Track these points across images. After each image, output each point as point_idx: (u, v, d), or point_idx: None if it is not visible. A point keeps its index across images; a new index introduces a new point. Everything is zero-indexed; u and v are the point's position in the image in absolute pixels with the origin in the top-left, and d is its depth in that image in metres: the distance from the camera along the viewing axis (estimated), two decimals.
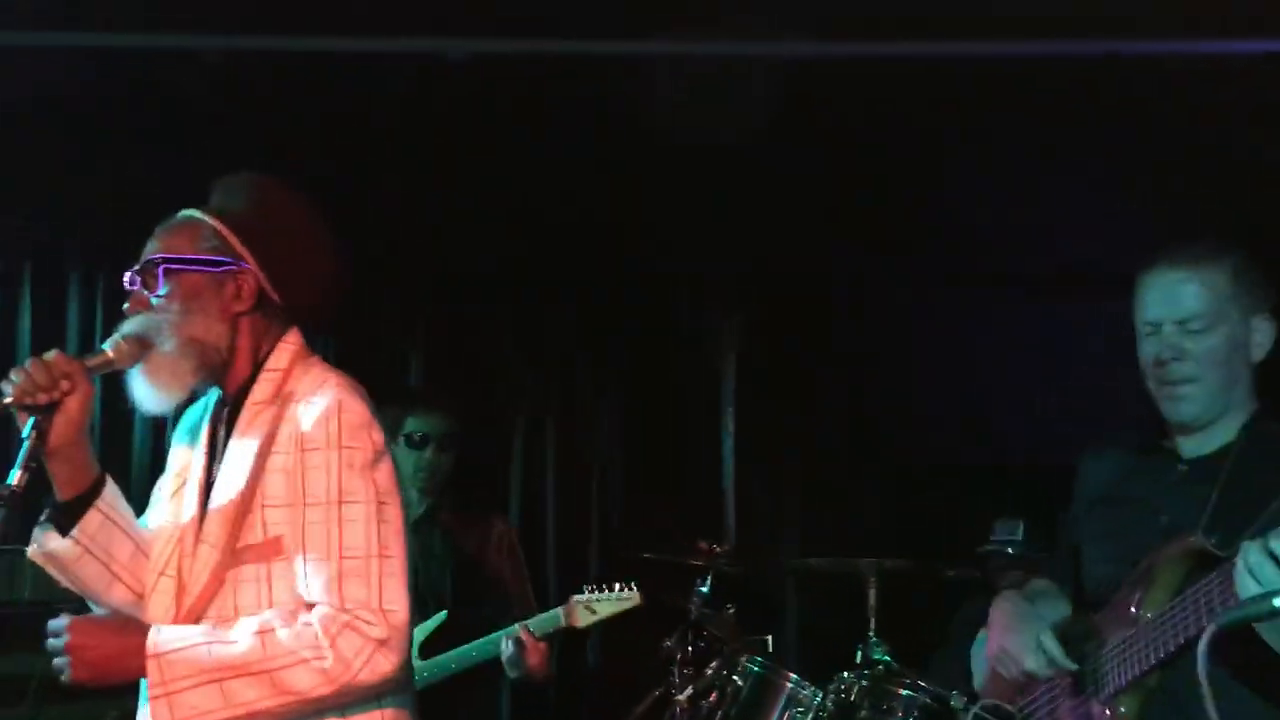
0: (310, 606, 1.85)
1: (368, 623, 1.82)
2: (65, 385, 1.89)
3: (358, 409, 1.92)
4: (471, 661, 3.65)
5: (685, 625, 3.83)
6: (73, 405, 1.90)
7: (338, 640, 1.81)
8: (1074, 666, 2.20)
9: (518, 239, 4.60)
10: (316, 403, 1.91)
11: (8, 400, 1.89)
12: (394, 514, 1.90)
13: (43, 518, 2.01)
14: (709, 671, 3.66)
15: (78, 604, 2.10)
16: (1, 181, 4.36)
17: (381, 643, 1.82)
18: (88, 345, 4.66)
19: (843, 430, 4.79)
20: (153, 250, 2.02)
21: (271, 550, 1.89)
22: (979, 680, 2.82)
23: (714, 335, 4.90)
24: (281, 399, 1.95)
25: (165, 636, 1.86)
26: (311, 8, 3.53)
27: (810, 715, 3.39)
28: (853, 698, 3.25)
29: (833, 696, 3.30)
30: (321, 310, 2.11)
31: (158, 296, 1.98)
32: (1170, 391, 2.22)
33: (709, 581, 3.84)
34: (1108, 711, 2.13)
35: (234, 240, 2.01)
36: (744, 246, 4.66)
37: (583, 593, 3.67)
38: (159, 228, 2.06)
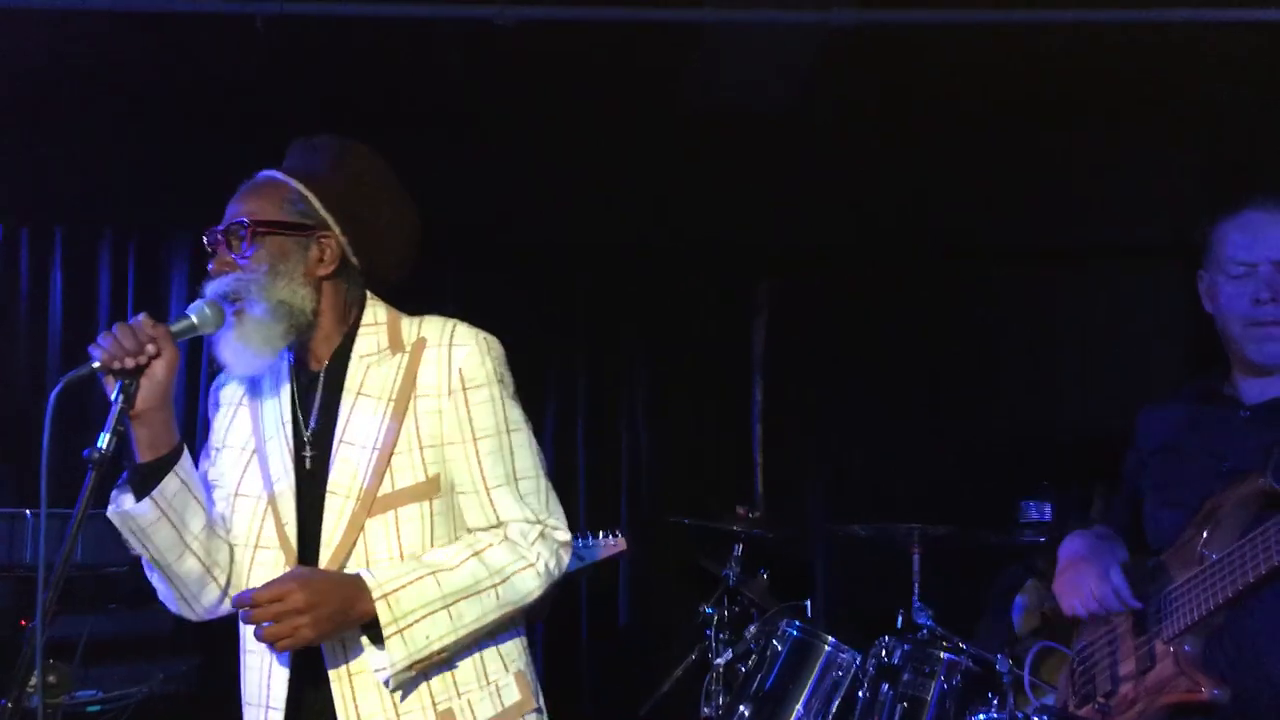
0: (497, 526, 1.98)
1: (554, 528, 2.01)
2: (151, 349, 1.89)
3: (497, 345, 2.04)
4: None
5: (721, 590, 3.87)
6: (159, 369, 1.89)
7: (537, 545, 1.98)
8: (1139, 605, 2.22)
9: (549, 206, 4.59)
10: (461, 344, 1.99)
11: (96, 365, 1.88)
12: (533, 439, 2.06)
13: (121, 479, 2.01)
14: (746, 635, 3.70)
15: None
16: (31, 146, 4.36)
17: (565, 544, 2.02)
18: (118, 308, 4.70)
19: (874, 397, 4.80)
20: (238, 212, 2.00)
21: (430, 489, 1.94)
22: (1022, 633, 2.85)
23: (743, 301, 4.91)
24: (412, 347, 1.98)
25: (384, 576, 1.88)
26: None
27: (849, 678, 3.42)
28: (895, 661, 3.27)
29: (874, 660, 3.33)
30: (396, 273, 2.10)
31: (244, 258, 1.97)
32: (1265, 333, 2.21)
33: (742, 547, 3.88)
34: (1170, 649, 2.15)
35: (318, 204, 2.01)
36: (774, 212, 4.66)
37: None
38: (242, 188, 2.04)
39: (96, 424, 1.89)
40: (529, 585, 1.97)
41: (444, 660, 1.93)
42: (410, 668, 1.88)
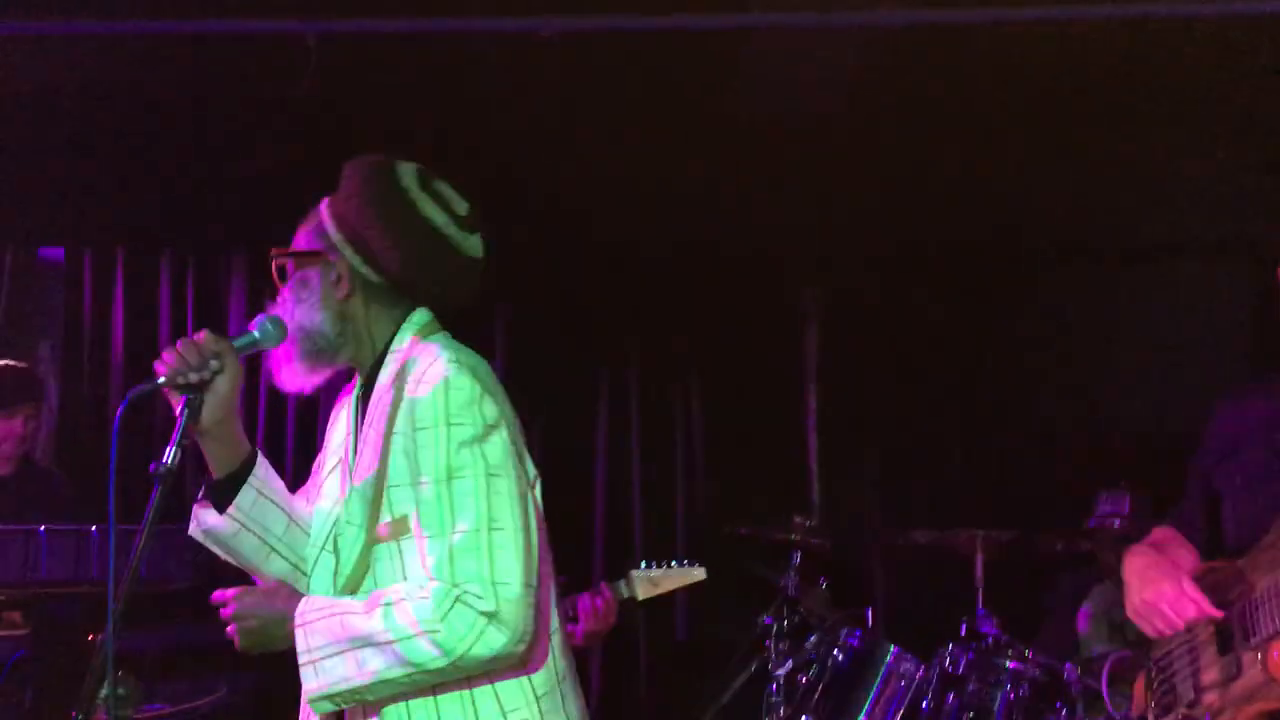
0: (423, 581, 1.86)
1: (478, 596, 1.81)
2: (215, 365, 1.93)
3: (464, 385, 1.89)
4: None
5: (781, 600, 3.84)
6: (223, 385, 1.93)
7: (449, 615, 1.80)
8: (1219, 614, 2.16)
9: (602, 217, 4.60)
10: (425, 382, 1.91)
11: (161, 380, 1.92)
12: (507, 486, 1.87)
13: (200, 495, 2.05)
14: (807, 645, 3.67)
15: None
16: (93, 170, 4.44)
17: (491, 616, 1.80)
18: (179, 329, 4.77)
19: (929, 402, 4.75)
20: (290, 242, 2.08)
21: (399, 529, 1.92)
22: (1090, 642, 2.78)
23: (797, 308, 4.88)
24: (399, 380, 1.96)
25: (310, 606, 1.91)
26: None
27: (912, 688, 3.38)
28: (959, 670, 3.23)
29: (937, 669, 3.29)
30: (438, 290, 2.05)
31: (284, 285, 2.04)
32: None
33: (802, 557, 3.85)
34: (1259, 656, 2.09)
35: (330, 228, 2.02)
36: (827, 220, 4.63)
37: (640, 566, 3.73)
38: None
39: (163, 440, 1.94)
40: (424, 655, 1.81)
41: (376, 704, 1.88)
42: (325, 699, 1.88)
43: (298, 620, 1.89)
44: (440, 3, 3.59)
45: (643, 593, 3.72)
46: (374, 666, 1.83)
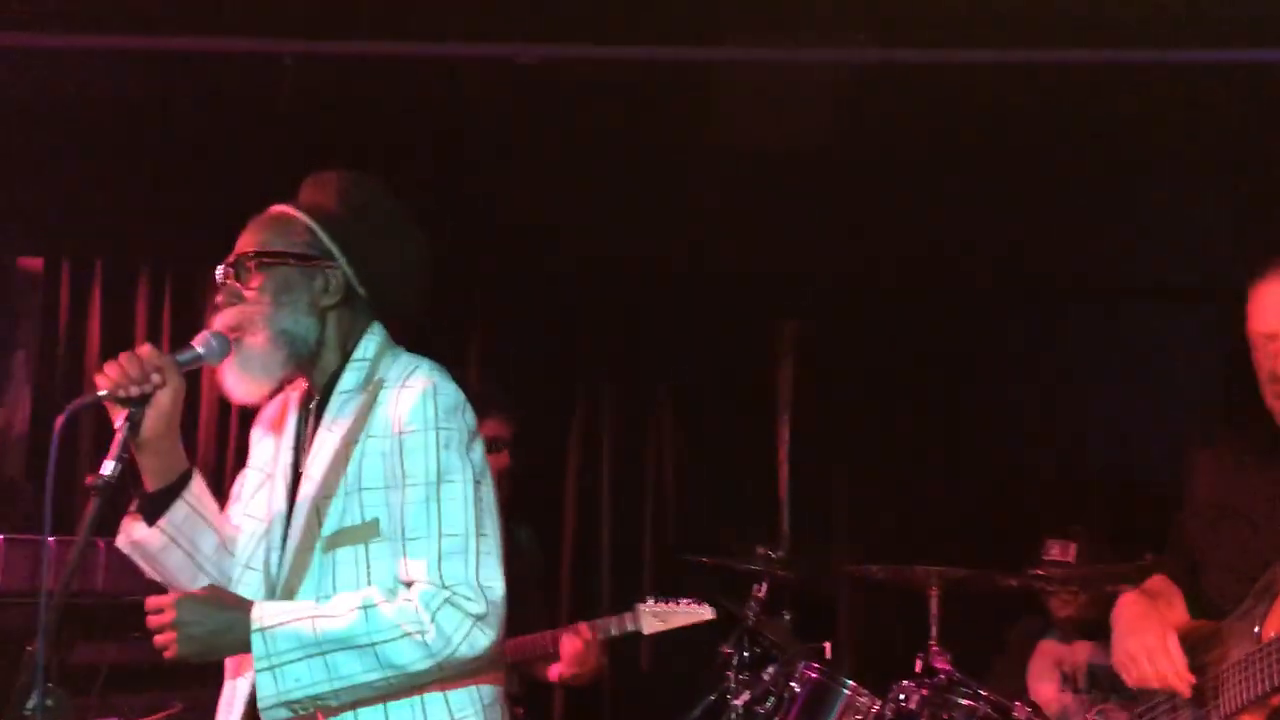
0: (409, 584, 1.88)
1: (467, 599, 1.86)
2: (156, 379, 1.94)
3: (450, 391, 1.95)
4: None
5: (741, 630, 3.83)
6: (164, 399, 1.94)
7: (438, 616, 1.84)
8: (1192, 680, 2.16)
9: (572, 241, 4.62)
10: (411, 387, 1.94)
11: (101, 393, 1.93)
12: (488, 494, 1.94)
13: (131, 508, 2.05)
14: (765, 677, 3.66)
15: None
16: (74, 181, 4.47)
17: (479, 618, 1.86)
18: (154, 340, 4.78)
19: (901, 437, 4.76)
20: (246, 244, 2.05)
21: (368, 532, 1.92)
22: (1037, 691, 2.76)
23: (770, 340, 4.90)
24: (372, 386, 1.98)
25: (269, 610, 1.88)
26: (374, 11, 3.59)
27: None
28: (913, 706, 3.23)
29: (892, 705, 3.28)
30: (406, 305, 2.13)
31: (250, 289, 2.01)
32: None
33: (764, 588, 3.84)
34: None
35: (323, 236, 2.05)
36: (801, 250, 4.66)
37: (647, 601, 3.70)
38: (251, 222, 2.09)
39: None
40: (410, 655, 1.84)
41: (346, 706, 1.88)
42: (283, 706, 1.86)
43: (255, 624, 1.85)
44: (420, 28, 3.64)
45: (648, 628, 3.69)
46: (347, 670, 1.84)
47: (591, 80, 3.92)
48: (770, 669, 3.67)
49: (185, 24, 3.67)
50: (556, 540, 4.78)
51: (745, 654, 3.80)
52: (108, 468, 1.90)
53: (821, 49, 3.72)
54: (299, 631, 1.84)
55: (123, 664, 3.56)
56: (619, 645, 4.64)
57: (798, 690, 3.51)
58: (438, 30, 3.63)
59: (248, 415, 2.24)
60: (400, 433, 1.91)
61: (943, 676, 3.24)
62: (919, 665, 3.35)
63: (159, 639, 1.88)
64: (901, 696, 3.26)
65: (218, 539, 2.06)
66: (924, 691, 3.23)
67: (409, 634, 1.83)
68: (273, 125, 4.05)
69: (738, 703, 3.68)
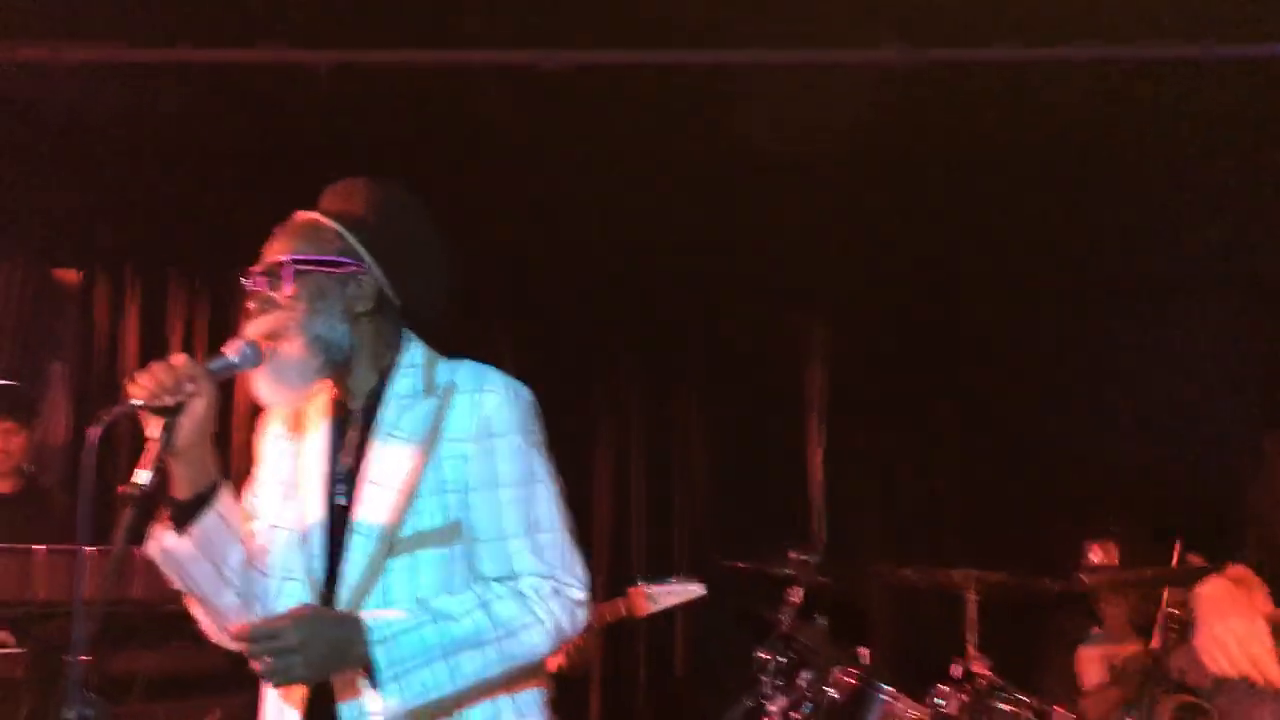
0: (508, 578, 1.94)
1: (569, 585, 1.96)
2: (190, 388, 1.93)
3: (526, 395, 2.01)
4: None
5: (776, 636, 3.81)
6: (198, 407, 1.93)
7: (550, 603, 1.93)
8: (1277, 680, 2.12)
9: (603, 248, 4.62)
10: (492, 392, 1.98)
11: (135, 402, 1.92)
12: (558, 493, 2.02)
13: (162, 516, 2.04)
14: (801, 683, 3.63)
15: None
16: (109, 192, 4.51)
17: (580, 603, 1.96)
18: (191, 350, 4.82)
19: (933, 439, 4.72)
20: (278, 251, 2.04)
21: (451, 534, 1.94)
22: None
23: (802, 343, 4.87)
24: (443, 391, 1.99)
25: (385, 621, 1.86)
26: (402, 22, 3.60)
27: None
28: (953, 711, 3.19)
29: (930, 710, 3.25)
30: (435, 310, 2.12)
31: (284, 297, 2.01)
32: None
33: (800, 592, 3.82)
34: None
35: (354, 242, 2.04)
36: (835, 255, 4.63)
37: (639, 584, 3.72)
38: (280, 230, 2.08)
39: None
40: (534, 642, 1.92)
41: (447, 710, 1.90)
42: (407, 715, 1.86)
43: (375, 635, 1.84)
44: (448, 37, 3.65)
45: (641, 609, 3.72)
46: (472, 668, 1.88)
47: (615, 89, 3.92)
48: (805, 674, 3.64)
49: (216, 36, 3.70)
50: (588, 545, 4.76)
51: (780, 659, 3.78)
52: (142, 477, 1.89)
53: (848, 50, 3.69)
54: (421, 638, 1.86)
55: (160, 672, 3.58)
56: (654, 650, 4.65)
57: (834, 695, 3.48)
58: (469, 39, 3.63)
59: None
60: (491, 435, 1.95)
61: (983, 681, 3.20)
62: (957, 670, 3.31)
63: (277, 664, 1.80)
64: (940, 701, 3.22)
65: (244, 553, 2.04)
66: (963, 697, 3.19)
67: (528, 624, 1.91)
68: (306, 135, 4.07)
69: (773, 708, 3.65)
